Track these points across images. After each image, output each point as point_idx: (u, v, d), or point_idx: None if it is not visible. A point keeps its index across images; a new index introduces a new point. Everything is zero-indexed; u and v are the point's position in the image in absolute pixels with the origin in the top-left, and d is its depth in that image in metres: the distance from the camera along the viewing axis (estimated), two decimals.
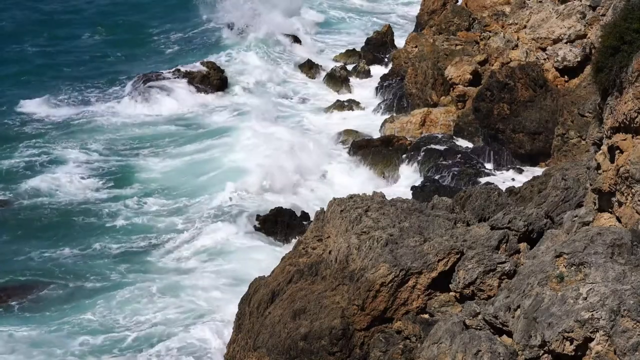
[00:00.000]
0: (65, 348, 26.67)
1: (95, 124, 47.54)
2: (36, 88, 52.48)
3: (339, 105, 48.34)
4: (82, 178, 40.01)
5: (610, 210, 17.30)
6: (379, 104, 47.48)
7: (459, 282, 19.13)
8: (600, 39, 17.46)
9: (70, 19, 68.22)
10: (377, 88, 49.99)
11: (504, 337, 16.01)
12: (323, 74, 54.49)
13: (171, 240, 33.82)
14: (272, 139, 43.30)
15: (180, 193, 38.31)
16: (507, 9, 46.57)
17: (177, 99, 49.69)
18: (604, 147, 17.09)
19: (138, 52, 60.88)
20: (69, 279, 31.24)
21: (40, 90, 51.86)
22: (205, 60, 54.76)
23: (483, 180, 36.74)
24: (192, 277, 30.83)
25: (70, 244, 33.97)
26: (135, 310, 28.80)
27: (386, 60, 54.92)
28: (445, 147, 40.46)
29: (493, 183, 33.27)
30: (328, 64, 56.53)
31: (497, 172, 38.63)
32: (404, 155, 40.49)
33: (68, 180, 39.61)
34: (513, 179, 37.00)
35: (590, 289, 14.67)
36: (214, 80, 51.58)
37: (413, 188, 36.46)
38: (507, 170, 38.97)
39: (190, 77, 51.19)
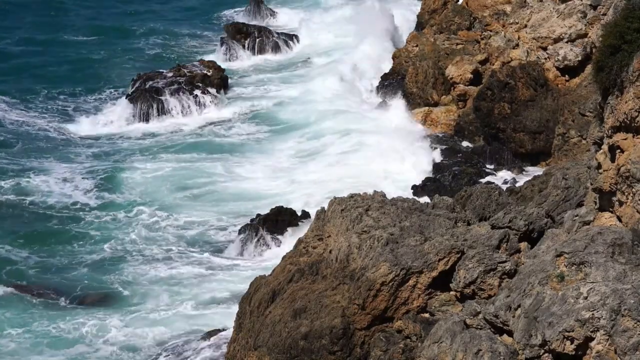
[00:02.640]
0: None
1: (87, 127, 47.11)
2: (21, 89, 51.72)
3: None
4: (71, 183, 39.31)
5: (610, 209, 17.30)
6: (379, 103, 47.42)
7: (460, 282, 19.13)
8: (600, 38, 17.45)
9: (61, 18, 67.26)
10: (377, 87, 49.93)
11: (505, 336, 16.01)
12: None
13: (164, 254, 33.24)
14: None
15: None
16: (508, 9, 46.53)
17: (185, 106, 49.15)
18: (605, 147, 17.09)
19: (138, 53, 60.72)
20: (46, 285, 30.70)
21: (23, 92, 51.15)
22: (206, 59, 54.73)
23: (484, 179, 36.78)
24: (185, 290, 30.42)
25: (56, 248, 33.53)
26: (108, 327, 27.99)
27: None
28: (445, 146, 40.49)
29: (493, 182, 33.30)
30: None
31: (498, 172, 38.66)
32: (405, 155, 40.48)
33: (55, 185, 39.09)
34: (514, 179, 37.03)
35: (591, 288, 14.67)
36: (215, 80, 51.41)
37: (414, 187, 36.48)
38: (508, 169, 38.99)
39: (191, 77, 51.01)
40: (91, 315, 28.63)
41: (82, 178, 39.86)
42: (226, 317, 27.46)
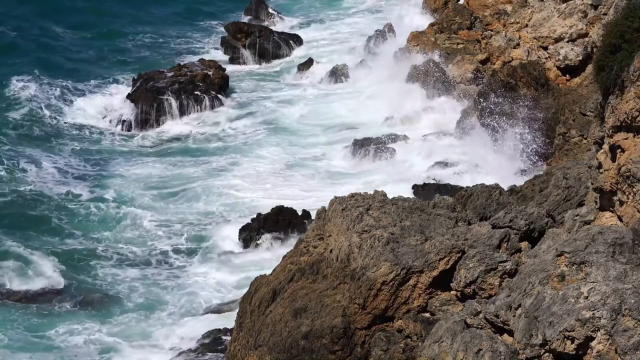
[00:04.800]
0: None
1: (85, 123, 47.01)
2: (16, 78, 51.43)
3: None
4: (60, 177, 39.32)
5: (611, 209, 17.30)
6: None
7: (460, 281, 19.12)
8: (601, 38, 17.45)
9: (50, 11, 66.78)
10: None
11: (505, 336, 16.00)
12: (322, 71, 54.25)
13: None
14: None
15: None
16: (509, 8, 46.56)
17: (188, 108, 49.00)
18: (606, 146, 17.09)
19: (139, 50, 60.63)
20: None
21: (19, 81, 50.88)
22: (206, 59, 54.63)
23: (484, 179, 36.71)
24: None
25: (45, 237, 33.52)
26: (87, 332, 27.70)
27: None
28: (446, 145, 40.46)
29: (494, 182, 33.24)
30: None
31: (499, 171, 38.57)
32: (405, 154, 40.45)
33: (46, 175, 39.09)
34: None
35: (592, 288, 14.67)
36: (215, 79, 51.31)
37: (414, 187, 36.44)
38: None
39: (192, 76, 50.90)
40: (71, 319, 28.35)
41: (73, 173, 39.81)
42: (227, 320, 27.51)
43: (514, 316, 15.69)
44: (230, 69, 54.81)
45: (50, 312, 28.87)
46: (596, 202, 17.83)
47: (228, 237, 34.37)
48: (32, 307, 29.10)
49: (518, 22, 43.83)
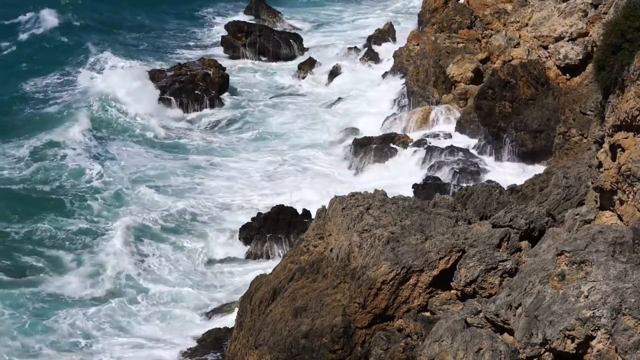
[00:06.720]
0: None
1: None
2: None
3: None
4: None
5: (611, 208, 17.30)
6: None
7: (461, 280, 19.12)
8: (601, 37, 17.45)
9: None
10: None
11: (505, 335, 16.00)
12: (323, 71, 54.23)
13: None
14: None
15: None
16: (509, 7, 46.58)
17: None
18: (606, 146, 17.09)
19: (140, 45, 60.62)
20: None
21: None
22: (206, 58, 54.59)
23: (485, 178, 36.78)
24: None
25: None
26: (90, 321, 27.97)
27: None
28: (446, 145, 40.48)
29: (494, 181, 33.30)
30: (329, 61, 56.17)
31: (499, 170, 38.62)
32: (406, 154, 40.45)
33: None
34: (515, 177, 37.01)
35: (592, 287, 14.66)
36: (216, 78, 51.28)
37: (414, 186, 36.43)
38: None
39: (192, 75, 50.86)
40: (72, 305, 28.60)
41: (68, 165, 40.09)
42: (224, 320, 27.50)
43: (514, 315, 15.69)
44: (230, 68, 54.77)
45: (51, 297, 29.15)
46: (596, 201, 17.84)
47: (226, 236, 34.37)
48: (35, 290, 29.41)
49: (518, 21, 43.84)
